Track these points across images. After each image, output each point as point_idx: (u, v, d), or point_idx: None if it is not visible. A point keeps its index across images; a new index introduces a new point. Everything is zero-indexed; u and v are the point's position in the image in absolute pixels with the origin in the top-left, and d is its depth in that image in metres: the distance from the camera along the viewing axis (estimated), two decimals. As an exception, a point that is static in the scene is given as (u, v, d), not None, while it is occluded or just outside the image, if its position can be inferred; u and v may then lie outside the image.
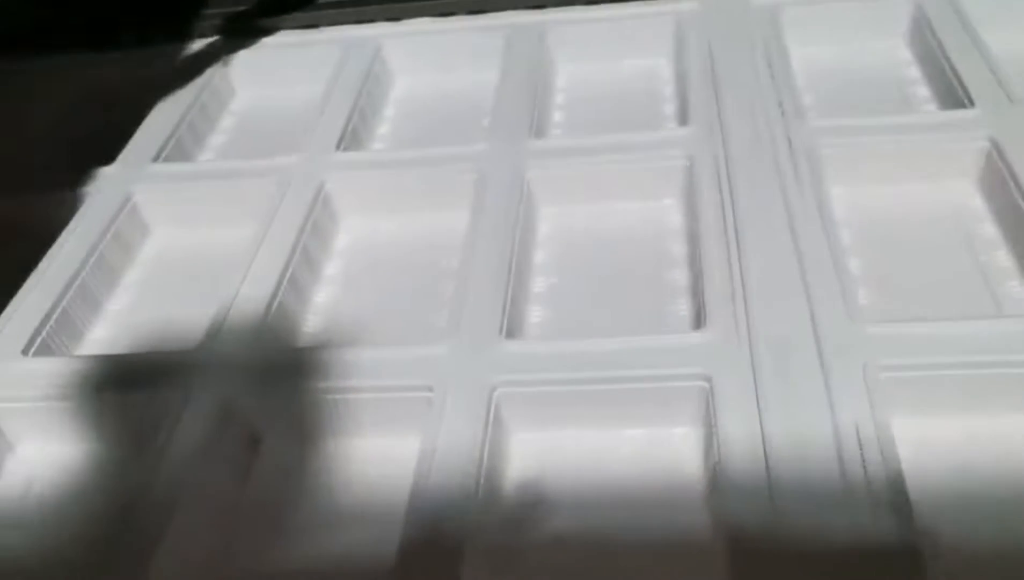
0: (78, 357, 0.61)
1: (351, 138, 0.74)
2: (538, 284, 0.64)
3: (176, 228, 0.73)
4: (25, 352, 0.59)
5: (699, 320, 0.56)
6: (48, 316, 0.61)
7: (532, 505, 0.51)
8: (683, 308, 0.59)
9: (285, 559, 0.51)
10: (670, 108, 0.76)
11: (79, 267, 0.65)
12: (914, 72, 0.76)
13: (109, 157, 0.75)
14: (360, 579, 0.48)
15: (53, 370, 0.58)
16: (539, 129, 0.73)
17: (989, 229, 0.61)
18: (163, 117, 0.79)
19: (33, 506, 0.55)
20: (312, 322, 0.63)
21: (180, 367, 0.57)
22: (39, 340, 0.60)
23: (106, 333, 0.65)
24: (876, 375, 0.50)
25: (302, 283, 0.64)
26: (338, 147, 0.72)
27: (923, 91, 0.73)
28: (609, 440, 0.53)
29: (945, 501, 0.47)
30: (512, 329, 0.57)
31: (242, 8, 0.91)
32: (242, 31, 0.89)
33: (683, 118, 0.72)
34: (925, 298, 0.57)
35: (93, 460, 0.57)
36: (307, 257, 0.65)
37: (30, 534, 0.53)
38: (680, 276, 0.62)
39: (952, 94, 0.69)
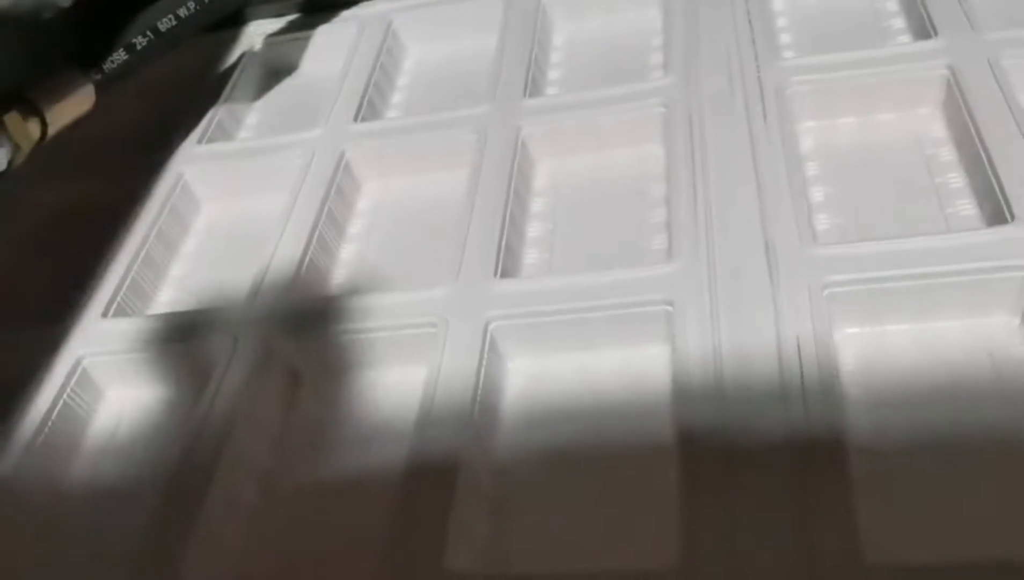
0: (147, 316, 0.72)
1: (368, 109, 0.83)
2: (534, 229, 0.72)
3: (222, 201, 0.83)
4: (105, 314, 0.70)
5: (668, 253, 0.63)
6: (120, 284, 0.73)
7: (524, 420, 0.60)
8: (660, 243, 0.67)
9: (324, 472, 0.61)
10: (656, 58, 0.82)
11: (143, 241, 0.76)
12: (892, 5, 0.81)
13: (165, 143, 0.86)
14: (378, 487, 0.58)
15: (128, 328, 0.69)
16: (535, 88, 0.80)
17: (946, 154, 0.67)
18: (205, 101, 0.89)
19: (121, 438, 0.67)
20: (339, 274, 0.73)
21: (230, 319, 0.68)
22: (115, 304, 0.72)
23: (169, 296, 0.77)
24: (820, 292, 0.57)
25: (328, 240, 0.73)
26: (355, 119, 0.81)
27: (899, 23, 0.78)
28: (590, 361, 0.61)
29: (884, 402, 0.54)
30: (507, 270, 0.66)
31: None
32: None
33: (666, 67, 0.78)
34: (882, 220, 0.63)
35: (165, 399, 0.68)
36: (331, 218, 0.74)
37: (120, 460, 0.65)
38: (659, 215, 0.69)
39: (921, 26, 0.74)
